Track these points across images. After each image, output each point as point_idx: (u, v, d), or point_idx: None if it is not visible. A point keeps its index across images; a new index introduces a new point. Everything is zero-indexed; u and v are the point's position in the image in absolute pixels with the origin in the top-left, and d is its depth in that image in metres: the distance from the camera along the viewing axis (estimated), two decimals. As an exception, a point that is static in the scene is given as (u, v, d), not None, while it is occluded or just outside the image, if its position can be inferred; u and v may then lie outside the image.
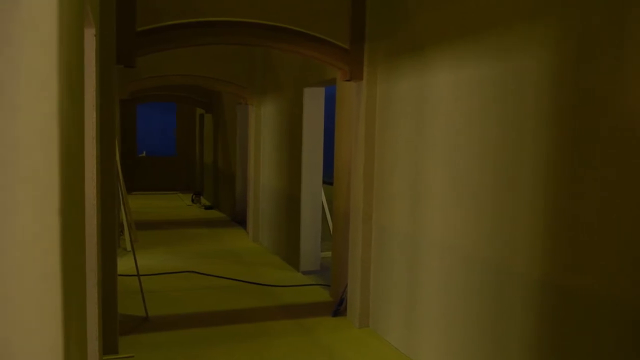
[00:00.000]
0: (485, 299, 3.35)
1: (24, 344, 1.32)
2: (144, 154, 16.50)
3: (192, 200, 13.42)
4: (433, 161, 3.92)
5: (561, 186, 2.77)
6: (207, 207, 12.65)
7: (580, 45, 2.68)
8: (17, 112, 1.25)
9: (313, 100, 6.77)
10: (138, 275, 5.24)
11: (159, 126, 17.88)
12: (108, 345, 4.08)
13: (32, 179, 1.29)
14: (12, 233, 1.28)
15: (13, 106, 1.25)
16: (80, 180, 2.18)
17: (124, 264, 6.33)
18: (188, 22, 4.40)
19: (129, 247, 7.53)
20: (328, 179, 6.98)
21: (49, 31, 1.30)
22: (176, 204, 13.46)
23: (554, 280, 2.81)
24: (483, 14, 3.40)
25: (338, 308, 5.27)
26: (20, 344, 1.31)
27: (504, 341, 3.19)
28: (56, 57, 1.31)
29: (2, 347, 1.29)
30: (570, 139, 2.72)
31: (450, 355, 3.72)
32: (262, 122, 8.65)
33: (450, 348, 3.72)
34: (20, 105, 1.26)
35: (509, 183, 3.15)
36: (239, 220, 10.53)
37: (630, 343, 2.39)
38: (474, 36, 3.47)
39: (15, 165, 1.26)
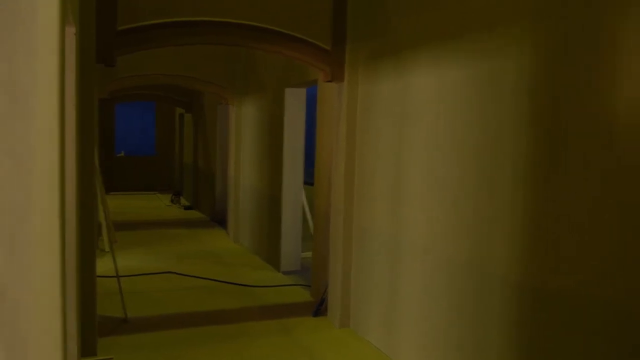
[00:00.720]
0: (465, 301, 3.40)
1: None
2: (122, 153, 16.32)
3: (172, 201, 13.32)
4: (413, 163, 3.96)
5: (539, 188, 2.82)
6: (186, 208, 12.56)
7: (555, 49, 2.73)
8: (32, 118, 1.30)
9: (294, 101, 6.78)
10: (117, 276, 5.19)
11: (138, 126, 17.73)
12: (87, 346, 4.04)
13: (43, 180, 1.34)
14: (28, 233, 1.31)
15: (27, 111, 1.28)
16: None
17: (103, 265, 6.26)
18: (169, 22, 4.38)
19: (107, 248, 7.46)
20: (309, 179, 7.00)
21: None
22: (155, 204, 13.35)
23: (531, 282, 2.86)
24: (462, 17, 3.45)
25: (319, 308, 5.29)
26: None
27: (483, 343, 3.24)
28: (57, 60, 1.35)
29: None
30: (547, 141, 2.78)
31: (430, 356, 3.76)
32: (243, 122, 8.63)
33: (431, 349, 3.76)
34: (34, 109, 1.29)
35: (488, 185, 3.20)
36: (219, 220, 10.49)
37: (603, 343, 2.45)
38: (454, 39, 3.51)
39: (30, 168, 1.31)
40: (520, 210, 2.93)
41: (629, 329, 2.33)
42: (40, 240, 1.33)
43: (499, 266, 3.09)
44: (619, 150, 2.39)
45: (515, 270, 2.97)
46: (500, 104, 3.10)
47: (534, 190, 2.85)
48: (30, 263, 1.32)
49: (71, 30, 2.90)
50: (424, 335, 3.84)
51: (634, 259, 2.30)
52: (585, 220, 2.54)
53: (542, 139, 2.81)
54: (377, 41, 4.51)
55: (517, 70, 2.96)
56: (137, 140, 17.41)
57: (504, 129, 3.06)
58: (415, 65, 3.95)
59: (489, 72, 3.19)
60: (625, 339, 2.35)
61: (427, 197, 3.79)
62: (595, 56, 2.51)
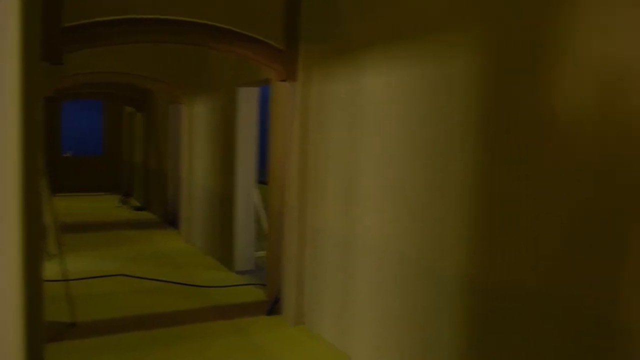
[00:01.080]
0: (417, 298, 3.48)
1: None
2: (69, 153, 15.82)
3: (121, 202, 13.01)
4: (366, 163, 4.02)
5: (486, 188, 2.92)
6: (137, 208, 12.30)
7: (501, 53, 2.84)
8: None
9: (247, 100, 6.75)
10: (64, 279, 5.04)
11: (85, 125, 17.21)
12: (33, 353, 3.91)
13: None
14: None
15: None
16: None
17: (50, 269, 6.06)
18: (118, 19, 4.29)
19: (54, 251, 7.22)
20: (263, 178, 6.98)
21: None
22: (104, 205, 13.01)
23: (481, 280, 2.96)
24: (413, 19, 3.53)
25: (273, 307, 5.29)
26: None
27: (433, 338, 3.33)
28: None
29: None
30: (494, 142, 2.88)
31: (383, 352, 3.83)
32: (195, 122, 8.53)
33: (384, 345, 3.83)
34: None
35: (439, 185, 3.28)
36: (171, 221, 10.32)
37: (553, 337, 2.56)
38: (405, 41, 3.59)
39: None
40: (469, 209, 3.03)
41: (578, 322, 2.44)
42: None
43: (450, 265, 3.18)
44: (560, 150, 2.50)
45: (465, 268, 3.06)
46: (451, 106, 3.19)
47: (482, 190, 2.95)
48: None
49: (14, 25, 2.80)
50: (377, 332, 3.90)
51: (581, 254, 2.41)
52: (531, 218, 2.65)
53: (489, 141, 2.91)
54: (330, 41, 4.55)
55: (466, 73, 3.06)
56: (84, 140, 16.92)
57: (454, 130, 3.15)
58: (367, 66, 4.01)
59: (440, 74, 3.27)
60: (575, 333, 2.46)
61: (379, 198, 3.86)
62: (538, 61, 2.62)
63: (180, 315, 5.26)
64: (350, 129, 4.21)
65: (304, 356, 4.32)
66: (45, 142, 8.47)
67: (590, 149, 2.35)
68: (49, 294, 5.09)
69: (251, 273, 6.83)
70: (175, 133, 10.02)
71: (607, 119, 2.28)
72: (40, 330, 4.08)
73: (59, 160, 14.68)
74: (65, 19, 4.07)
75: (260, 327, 4.93)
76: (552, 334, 2.53)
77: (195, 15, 4.57)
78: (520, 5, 2.72)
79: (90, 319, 4.99)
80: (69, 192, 14.38)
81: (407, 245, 3.56)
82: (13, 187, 2.79)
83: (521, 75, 2.70)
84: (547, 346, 2.55)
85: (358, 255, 4.13)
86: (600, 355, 2.31)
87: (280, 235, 5.41)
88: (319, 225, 4.70)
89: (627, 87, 2.21)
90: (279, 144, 5.62)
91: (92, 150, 16.51)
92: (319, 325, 4.73)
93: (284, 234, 5.19)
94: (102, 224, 10.47)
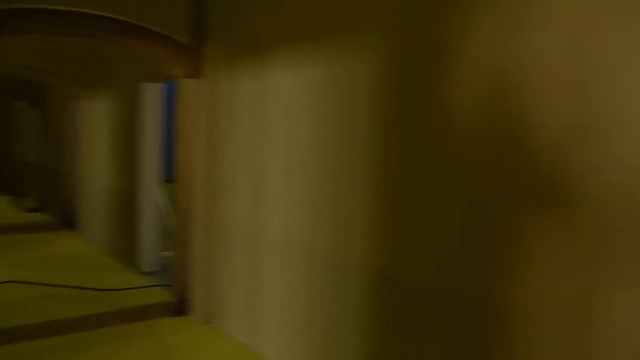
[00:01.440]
0: (325, 291, 3.58)
1: None
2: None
3: (12, 203, 12.15)
4: (274, 161, 4.06)
5: (389, 184, 3.07)
6: (31, 210, 11.55)
7: (404, 55, 2.98)
8: None
9: (152, 97, 6.56)
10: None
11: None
12: None
13: None
14: None
15: None
16: None
17: None
18: (8, 9, 4.02)
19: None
20: (170, 177, 6.82)
21: None
22: (-7, 208, 12.10)
23: (383, 270, 3.10)
24: (320, 19, 3.61)
25: (181, 307, 5.20)
26: None
27: (342, 328, 3.44)
28: None
29: None
30: (394, 141, 3.03)
31: (294, 347, 3.90)
32: (96, 118, 8.15)
33: (294, 340, 3.89)
34: None
35: (344, 181, 3.39)
36: (70, 222, 9.79)
37: (440, 318, 2.74)
38: (312, 40, 3.66)
39: None
40: (374, 204, 3.16)
41: (476, 310, 2.63)
42: None
43: (357, 257, 3.30)
44: (455, 148, 2.68)
45: (371, 260, 3.19)
46: (356, 104, 3.30)
47: (386, 185, 3.09)
48: None
49: None
50: (287, 328, 3.96)
51: (474, 245, 2.60)
52: (431, 212, 2.81)
53: (392, 138, 3.05)
54: (238, 38, 4.53)
55: (370, 72, 3.18)
56: (-31, 136, 15.58)
57: (359, 128, 3.27)
58: (275, 65, 4.04)
59: (346, 75, 3.38)
60: (469, 317, 2.65)
61: (287, 195, 3.91)
62: (435, 64, 2.78)
63: (83, 320, 5.02)
64: (258, 127, 4.23)
65: (214, 356, 4.29)
66: None
67: (482, 148, 2.54)
68: None
69: (157, 274, 6.65)
70: (73, 130, 9.51)
71: (495, 120, 2.48)
72: None
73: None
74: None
75: (169, 329, 4.83)
76: (450, 318, 2.71)
77: (95, 7, 4.38)
78: (420, 11, 2.87)
79: (-20, 330, 4.66)
80: (-48, 194, 13.23)
81: (315, 240, 3.64)
82: None
83: (420, 76, 2.86)
84: (446, 329, 2.73)
85: (267, 252, 4.16)
86: (490, 335, 2.51)
87: (187, 234, 5.32)
88: (228, 223, 4.68)
89: (510, 92, 2.41)
90: (186, 142, 5.51)
91: (-23, 148, 15.27)
92: (228, 324, 4.71)
93: (191, 233, 5.12)
94: (-9, 227, 9.74)
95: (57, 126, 10.39)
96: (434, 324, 2.79)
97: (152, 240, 6.79)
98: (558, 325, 2.23)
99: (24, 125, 13.37)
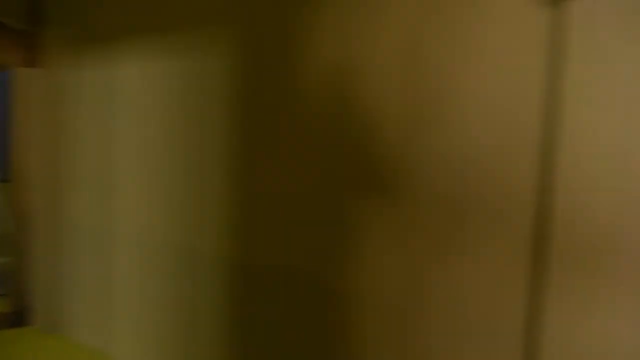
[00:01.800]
0: (179, 286, 3.52)
1: None
2: None
3: None
4: (124, 153, 3.89)
5: (241, 176, 3.10)
6: None
7: (252, 49, 3.03)
8: None
9: (-20, 87, 5.90)
10: None
11: None
12: None
13: None
14: None
15: None
16: None
17: None
18: None
19: None
20: (4, 175, 6.18)
21: None
22: None
23: (236, 260, 3.13)
24: (169, 9, 3.52)
25: (20, 318, 4.77)
26: None
27: (198, 322, 3.41)
28: None
29: None
30: (245, 134, 3.07)
31: (148, 345, 3.78)
32: None
33: (148, 340, 3.77)
34: None
35: (196, 174, 3.36)
36: None
37: (288, 303, 2.85)
38: (162, 31, 3.56)
39: None
40: (226, 195, 3.18)
41: (320, 296, 2.76)
42: None
43: (210, 249, 3.29)
44: (303, 142, 2.79)
45: (225, 251, 3.21)
46: (206, 98, 3.28)
47: (237, 177, 3.12)
48: None
49: None
50: (140, 328, 3.83)
51: (318, 237, 2.73)
52: (280, 202, 2.90)
53: (242, 131, 3.08)
54: (83, 25, 4.25)
55: (221, 67, 3.18)
56: None
57: (210, 121, 3.26)
58: (124, 55, 3.87)
59: (197, 67, 3.34)
60: (317, 305, 2.77)
61: (140, 188, 3.78)
62: (285, 59, 2.87)
63: None
64: (106, 119, 4.01)
65: (62, 365, 4.01)
66: None
67: (326, 142, 2.68)
68: None
69: (-9, 283, 6.02)
70: None
71: (340, 116, 2.63)
72: None
73: None
74: None
75: (6, 341, 4.41)
76: (298, 304, 2.83)
77: None
78: (270, 5, 2.94)
79: None
80: None
81: (167, 233, 3.56)
82: None
83: (271, 71, 2.93)
84: (295, 314, 2.84)
85: (119, 251, 3.98)
86: (332, 318, 2.66)
87: (26, 237, 4.89)
88: (74, 224, 4.39)
89: (353, 89, 2.57)
90: (24, 137, 5.05)
91: None
92: (78, 330, 4.42)
93: (30, 236, 4.71)
94: None
95: None
96: (284, 309, 2.89)
97: (-16, 246, 6.12)
98: (390, 307, 2.44)
99: None
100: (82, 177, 4.29)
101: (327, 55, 2.66)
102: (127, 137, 3.88)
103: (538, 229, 2.04)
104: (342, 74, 2.61)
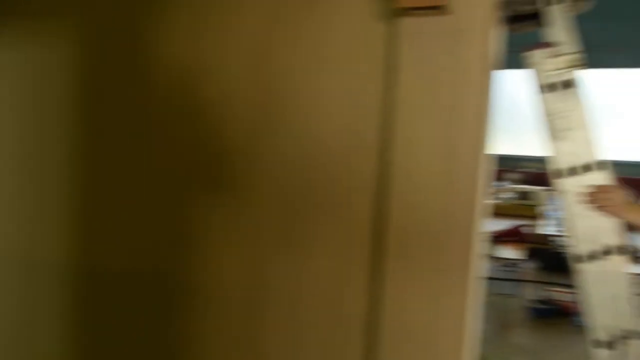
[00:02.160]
0: (17, 297, 3.22)
1: None
2: None
3: None
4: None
5: (84, 180, 2.93)
6: None
7: (97, 44, 2.88)
8: None
9: None
10: None
11: None
12: None
13: None
14: None
15: None
16: None
17: None
18: None
19: None
20: None
21: None
22: None
23: (80, 265, 2.96)
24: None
25: None
26: None
27: (37, 330, 3.15)
28: None
29: None
30: (88, 134, 2.91)
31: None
32: None
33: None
34: None
35: (36, 179, 3.12)
36: None
37: (136, 305, 2.75)
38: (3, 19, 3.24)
39: None
40: (67, 199, 2.98)
41: (168, 295, 2.69)
42: None
43: (53, 256, 3.07)
44: (147, 143, 2.72)
45: (69, 258, 3.02)
46: (49, 94, 3.05)
47: (81, 181, 2.94)
48: None
49: None
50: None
51: (164, 239, 2.67)
52: (126, 207, 2.79)
53: (86, 131, 2.91)
54: None
55: (60, 62, 2.98)
56: None
57: (49, 120, 3.04)
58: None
59: (39, 61, 3.09)
60: (167, 305, 2.71)
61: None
62: (134, 57, 2.78)
63: None
64: None
65: None
66: None
67: (173, 143, 2.64)
68: None
69: None
70: None
71: (188, 117, 2.61)
72: None
73: None
74: None
75: None
76: (147, 306, 2.75)
77: None
78: (115, 1, 2.83)
79: None
80: None
81: (5, 240, 3.24)
82: None
83: (118, 68, 2.81)
84: (145, 317, 2.75)
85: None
86: (173, 312, 2.64)
87: None
88: None
89: (202, 89, 2.58)
90: None
91: None
92: None
93: None
94: None
95: None
96: (134, 312, 2.80)
97: None
98: (235, 300, 2.51)
99: None
100: None
101: (177, 54, 2.63)
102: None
103: (376, 224, 2.22)
104: (191, 73, 2.60)
